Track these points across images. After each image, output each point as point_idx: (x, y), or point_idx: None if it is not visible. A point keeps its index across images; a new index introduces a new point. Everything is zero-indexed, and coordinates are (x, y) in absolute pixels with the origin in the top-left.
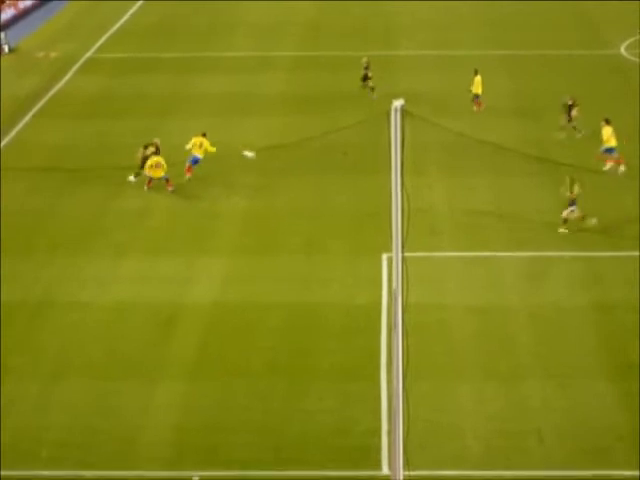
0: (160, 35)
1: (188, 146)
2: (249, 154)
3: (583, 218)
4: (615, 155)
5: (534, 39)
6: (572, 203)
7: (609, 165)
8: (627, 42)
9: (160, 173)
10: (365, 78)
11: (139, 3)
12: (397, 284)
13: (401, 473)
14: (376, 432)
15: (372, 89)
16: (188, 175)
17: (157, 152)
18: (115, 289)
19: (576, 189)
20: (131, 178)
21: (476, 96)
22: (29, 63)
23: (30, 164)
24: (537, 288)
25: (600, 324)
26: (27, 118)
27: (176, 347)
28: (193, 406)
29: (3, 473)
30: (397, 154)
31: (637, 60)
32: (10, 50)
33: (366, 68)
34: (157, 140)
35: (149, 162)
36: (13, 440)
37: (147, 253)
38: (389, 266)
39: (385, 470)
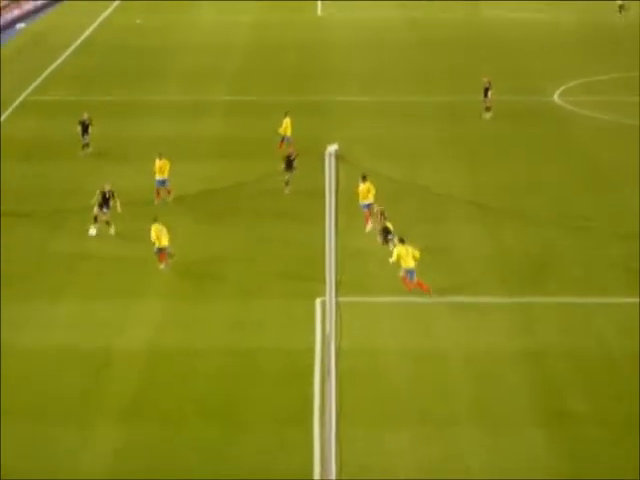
0: (95, 79)
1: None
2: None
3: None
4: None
5: (466, 85)
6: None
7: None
8: (560, 89)
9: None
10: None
11: (73, 47)
12: (330, 329)
13: None
14: (309, 476)
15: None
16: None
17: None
18: (49, 333)
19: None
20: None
21: (283, 138)
22: None
23: None
24: (470, 334)
25: (532, 371)
26: None
27: (110, 393)
28: (125, 454)
29: None
30: (331, 198)
31: (569, 107)
32: None
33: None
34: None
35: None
36: None
37: (82, 297)
38: (323, 311)
39: None
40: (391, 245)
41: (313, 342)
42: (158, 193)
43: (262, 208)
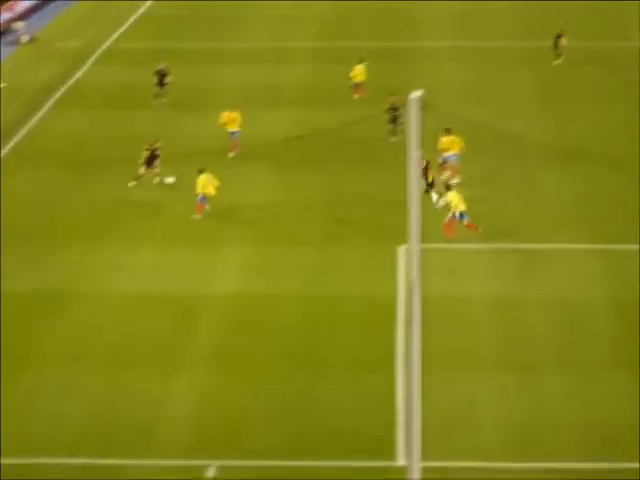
0: (178, 27)
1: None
2: (170, 180)
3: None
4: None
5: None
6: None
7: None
8: None
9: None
10: (394, 119)
11: None
12: (415, 275)
13: (417, 464)
14: (392, 423)
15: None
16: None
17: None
18: (134, 279)
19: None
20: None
21: (356, 84)
22: (48, 53)
23: (49, 153)
24: (556, 280)
25: (618, 317)
26: (46, 108)
27: (195, 338)
28: (212, 396)
29: (24, 460)
30: (415, 145)
31: None
32: (30, 40)
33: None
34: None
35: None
36: (34, 427)
37: (166, 243)
38: (406, 258)
39: (401, 461)
40: (435, 196)
41: (395, 289)
42: (233, 146)
43: (346, 155)
